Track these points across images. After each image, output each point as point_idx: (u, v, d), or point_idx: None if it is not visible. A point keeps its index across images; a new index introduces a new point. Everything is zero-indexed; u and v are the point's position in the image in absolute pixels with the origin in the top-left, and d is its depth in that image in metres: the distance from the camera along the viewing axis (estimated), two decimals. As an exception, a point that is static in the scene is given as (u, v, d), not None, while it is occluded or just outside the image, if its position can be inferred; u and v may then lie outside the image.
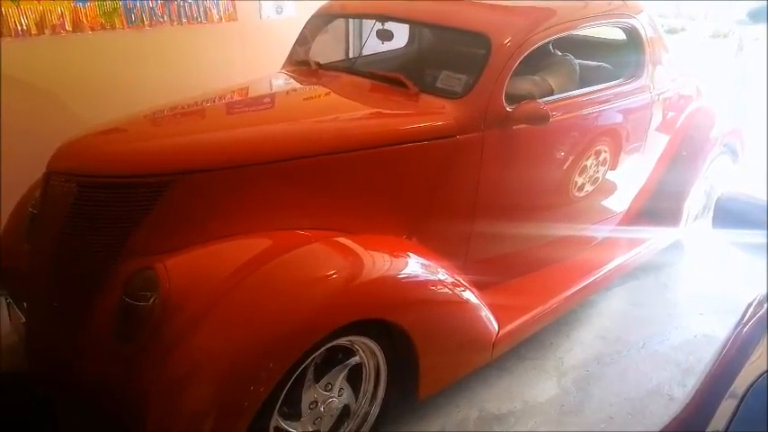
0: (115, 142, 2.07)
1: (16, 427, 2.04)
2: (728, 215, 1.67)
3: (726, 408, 1.14)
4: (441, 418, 2.30)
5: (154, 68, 3.39)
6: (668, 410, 2.29)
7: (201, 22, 3.55)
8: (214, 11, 3.59)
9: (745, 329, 1.41)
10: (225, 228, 1.94)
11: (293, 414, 1.86)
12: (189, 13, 3.49)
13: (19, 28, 2.89)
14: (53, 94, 3.06)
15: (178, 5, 3.43)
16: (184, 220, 1.90)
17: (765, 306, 1.46)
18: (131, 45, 3.31)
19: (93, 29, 3.16)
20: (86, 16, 3.12)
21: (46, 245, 1.89)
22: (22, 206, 2.38)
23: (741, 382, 1.19)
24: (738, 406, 1.12)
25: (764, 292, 1.51)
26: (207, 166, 1.92)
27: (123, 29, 3.26)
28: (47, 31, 2.99)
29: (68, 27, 3.07)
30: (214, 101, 2.46)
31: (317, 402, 1.90)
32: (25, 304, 2.01)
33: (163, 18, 3.39)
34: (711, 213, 1.74)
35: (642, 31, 2.88)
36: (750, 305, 1.51)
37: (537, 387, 2.48)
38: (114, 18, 3.22)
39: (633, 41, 2.90)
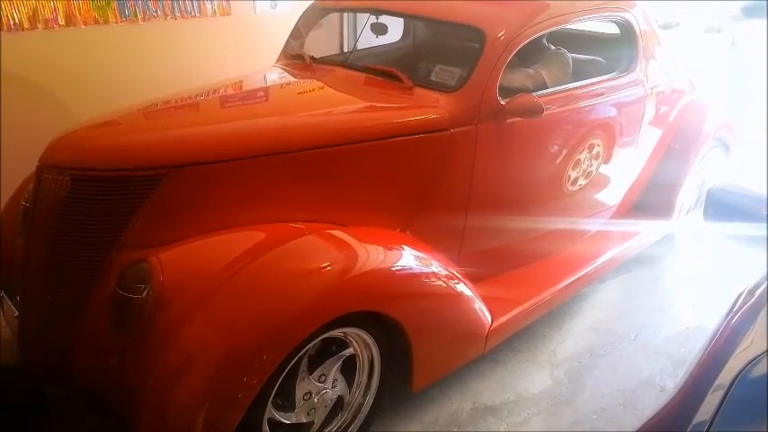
0: (108, 135, 2.07)
1: (9, 422, 2.04)
2: (720, 207, 1.68)
3: (713, 398, 1.15)
4: (434, 409, 2.32)
5: (147, 63, 3.38)
6: (659, 401, 2.28)
7: (195, 16, 3.54)
8: (208, 5, 3.58)
9: (734, 320, 1.42)
10: (218, 221, 1.95)
11: (287, 405, 1.87)
12: (182, 8, 3.48)
13: (11, 22, 2.88)
14: (46, 89, 3.06)
15: (171, 0, 3.42)
16: (178, 214, 1.91)
17: (755, 296, 1.47)
18: (125, 39, 3.30)
19: (86, 23, 3.15)
20: (79, 10, 3.11)
21: (39, 238, 1.89)
22: (15, 200, 2.38)
23: (728, 372, 1.20)
24: (725, 396, 1.13)
25: (754, 282, 1.53)
26: (200, 159, 1.92)
27: (116, 23, 3.25)
28: (39, 26, 2.98)
29: (61, 21, 3.06)
30: (208, 94, 2.46)
31: (310, 394, 1.90)
32: (18, 298, 2.01)
33: (156, 12, 3.38)
34: (704, 206, 1.75)
35: (636, 25, 2.88)
36: (740, 295, 1.52)
37: (530, 379, 2.50)
38: (107, 12, 3.21)
39: (627, 35, 2.90)
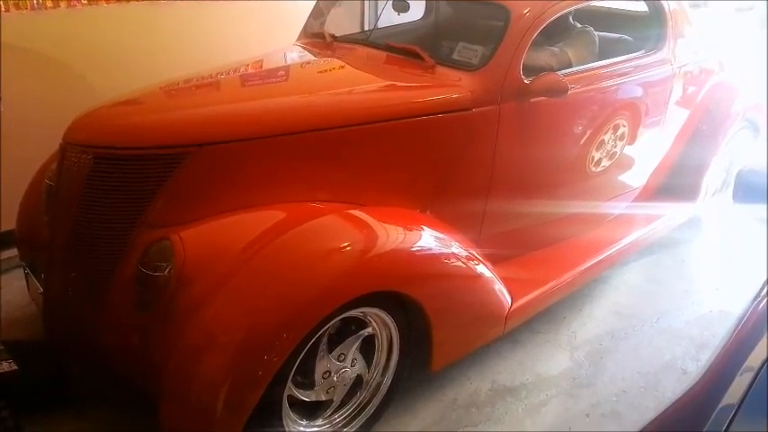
0: (131, 114, 2.08)
1: (34, 398, 2.09)
2: (749, 189, 1.65)
3: (741, 382, 1.13)
4: (453, 389, 2.32)
5: (169, 41, 3.38)
6: (681, 384, 2.29)
7: (218, -4, 3.53)
8: (231, -16, 3.56)
9: (761, 304, 1.40)
10: (240, 200, 1.95)
11: (307, 383, 1.89)
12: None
13: (35, 1, 2.89)
14: (69, 67, 3.07)
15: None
16: (200, 192, 1.91)
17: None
18: (147, 18, 3.30)
19: (108, 1, 3.15)
20: (102, -12, 3.11)
21: (63, 217, 1.91)
22: (39, 178, 2.41)
23: (756, 356, 1.18)
24: (754, 380, 1.12)
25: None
26: (222, 138, 1.92)
27: (139, 1, 3.25)
28: (62, 4, 2.99)
29: (84, 0, 3.06)
30: (229, 73, 2.45)
31: (330, 372, 1.92)
32: (43, 275, 2.04)
33: (180, -10, 3.37)
34: (731, 188, 1.71)
35: (665, 3, 2.81)
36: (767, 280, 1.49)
37: (549, 360, 2.49)
38: (131, -10, 3.21)
39: (655, 14, 2.84)
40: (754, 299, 1.44)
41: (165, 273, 1.74)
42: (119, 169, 1.85)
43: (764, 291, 1.43)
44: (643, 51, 2.78)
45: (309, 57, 2.76)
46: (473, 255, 2.20)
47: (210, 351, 1.68)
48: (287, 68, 2.66)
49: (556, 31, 2.66)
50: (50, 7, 2.96)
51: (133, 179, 1.85)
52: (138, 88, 2.24)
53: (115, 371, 1.88)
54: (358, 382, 2.04)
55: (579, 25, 2.85)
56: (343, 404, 2.04)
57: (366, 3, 4.12)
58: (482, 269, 2.20)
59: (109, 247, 1.87)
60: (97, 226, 1.87)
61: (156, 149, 1.85)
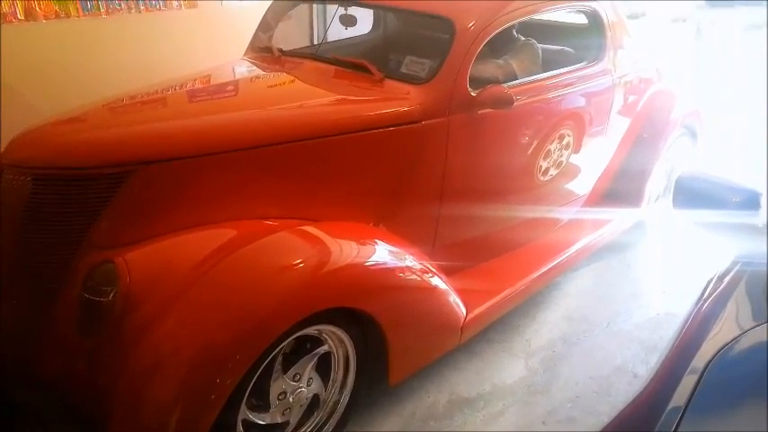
0: (72, 132, 2.02)
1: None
2: (688, 194, 1.70)
3: (687, 383, 1.16)
4: (412, 403, 2.31)
5: (112, 57, 3.30)
6: (632, 388, 2.34)
7: (160, 8, 3.47)
8: (173, -3, 3.51)
9: (705, 306, 1.44)
10: (188, 218, 1.91)
11: (261, 406, 1.84)
12: (147, 0, 3.40)
13: (-33, 17, 2.79)
14: (7, 86, 2.96)
15: (135, -8, 3.34)
16: (146, 211, 1.87)
17: (725, 282, 1.49)
18: (88, 33, 3.22)
19: (47, 17, 3.06)
20: (39, 4, 3.02)
21: (4, 241, 1.83)
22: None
23: (701, 357, 1.21)
24: (699, 380, 1.15)
25: (723, 268, 1.55)
26: (168, 155, 1.88)
27: (79, 17, 3.16)
28: (-4, 20, 2.89)
29: (20, 16, 2.96)
30: (175, 89, 2.40)
31: (285, 393, 1.88)
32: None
33: (120, 5, 3.30)
34: (672, 193, 1.77)
35: (604, 15, 2.90)
36: (710, 282, 1.54)
37: (505, 369, 2.51)
38: (69, 6, 3.12)
39: (595, 26, 2.92)
40: (698, 301, 1.48)
41: (110, 297, 1.68)
42: (60, 190, 1.79)
43: (706, 293, 1.48)
44: (584, 62, 2.86)
45: (258, 71, 2.74)
46: (427, 267, 2.21)
47: (160, 374, 1.63)
48: (235, 83, 2.63)
49: (500, 44, 2.71)
50: (-16, 23, 2.85)
51: (75, 200, 1.79)
52: (81, 105, 2.17)
53: (61, 397, 1.81)
54: (315, 402, 2.01)
55: (523, 38, 2.92)
56: (300, 425, 2.01)
57: (315, 16, 4.12)
58: (436, 281, 2.21)
59: (52, 270, 1.81)
60: (40, 251, 1.81)
61: (99, 168, 1.80)
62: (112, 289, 1.69)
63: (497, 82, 2.41)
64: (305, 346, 1.91)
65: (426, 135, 2.25)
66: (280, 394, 1.87)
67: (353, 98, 2.40)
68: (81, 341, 1.75)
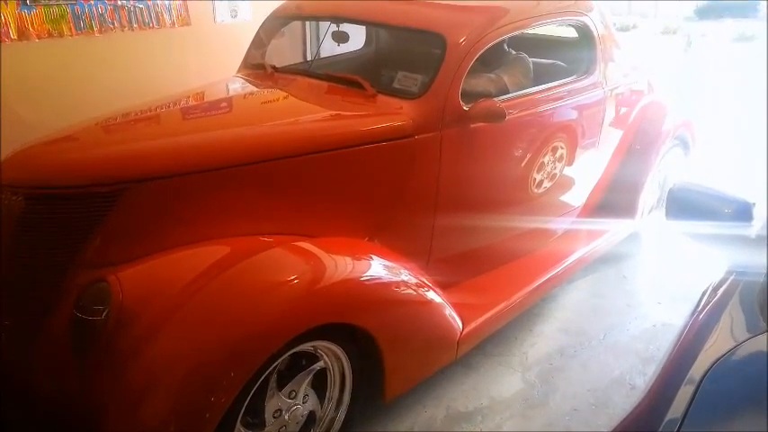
0: (64, 151, 2.01)
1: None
2: (681, 205, 1.71)
3: (684, 394, 1.16)
4: (409, 417, 2.30)
5: (105, 76, 3.31)
6: (630, 399, 2.33)
7: (153, 27, 3.48)
8: (166, 15, 3.52)
9: (700, 317, 1.44)
10: (182, 236, 1.90)
11: (257, 423, 1.83)
12: (140, 18, 3.42)
13: (-40, 36, 2.79)
14: (3, 104, 2.96)
15: (128, 10, 3.35)
16: (139, 229, 1.86)
17: (719, 293, 1.49)
18: (81, 52, 3.22)
19: (39, 36, 3.06)
20: (32, 23, 3.02)
21: (-3, 260, 1.82)
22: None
23: (698, 369, 1.21)
24: (696, 392, 1.14)
25: (717, 279, 1.55)
26: (161, 173, 1.87)
27: (72, 36, 3.17)
28: (-10, 40, 2.89)
29: (13, 35, 2.97)
30: (168, 106, 2.41)
31: (281, 410, 1.86)
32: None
33: (113, 24, 3.31)
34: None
35: (594, 29, 2.92)
36: (705, 293, 1.54)
37: (502, 383, 2.50)
38: (62, 25, 3.13)
39: (585, 39, 2.94)
40: (693, 312, 1.48)
41: (102, 317, 1.67)
42: (52, 209, 1.78)
43: (701, 304, 1.47)
44: (575, 76, 2.88)
45: (252, 88, 2.75)
46: (423, 281, 2.20)
47: (153, 393, 1.61)
48: (228, 100, 2.64)
49: (492, 59, 2.73)
50: (-23, 43, 2.86)
51: (68, 219, 1.79)
52: (73, 124, 2.17)
53: (53, 417, 1.78)
54: (311, 419, 2.00)
55: (514, 52, 2.94)
56: (296, 442, 1.99)
57: (307, 33, 4.14)
58: (432, 295, 2.20)
59: (45, 289, 1.79)
60: (32, 270, 1.80)
61: (91, 187, 1.80)
62: (105, 308, 1.67)
63: (489, 96, 2.42)
64: (300, 362, 1.89)
65: (419, 149, 2.26)
66: (275, 412, 1.85)
67: (346, 114, 2.41)
68: (74, 360, 1.73)
